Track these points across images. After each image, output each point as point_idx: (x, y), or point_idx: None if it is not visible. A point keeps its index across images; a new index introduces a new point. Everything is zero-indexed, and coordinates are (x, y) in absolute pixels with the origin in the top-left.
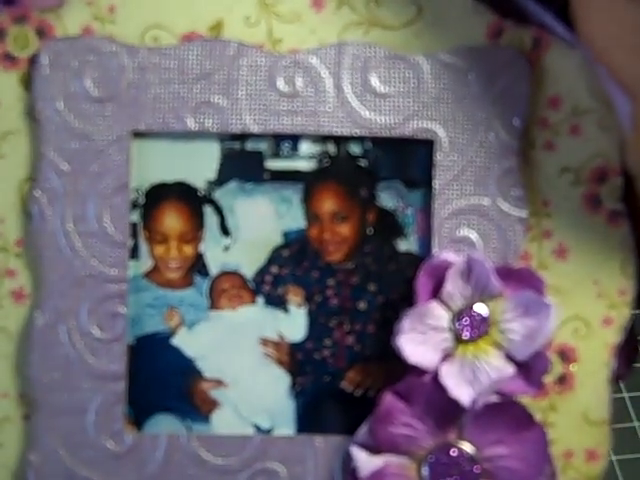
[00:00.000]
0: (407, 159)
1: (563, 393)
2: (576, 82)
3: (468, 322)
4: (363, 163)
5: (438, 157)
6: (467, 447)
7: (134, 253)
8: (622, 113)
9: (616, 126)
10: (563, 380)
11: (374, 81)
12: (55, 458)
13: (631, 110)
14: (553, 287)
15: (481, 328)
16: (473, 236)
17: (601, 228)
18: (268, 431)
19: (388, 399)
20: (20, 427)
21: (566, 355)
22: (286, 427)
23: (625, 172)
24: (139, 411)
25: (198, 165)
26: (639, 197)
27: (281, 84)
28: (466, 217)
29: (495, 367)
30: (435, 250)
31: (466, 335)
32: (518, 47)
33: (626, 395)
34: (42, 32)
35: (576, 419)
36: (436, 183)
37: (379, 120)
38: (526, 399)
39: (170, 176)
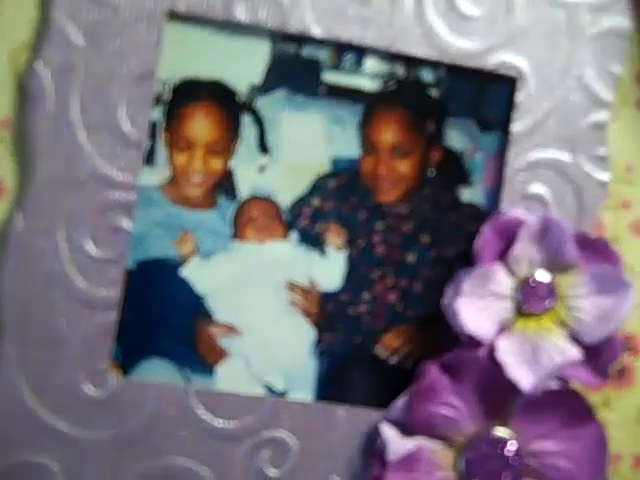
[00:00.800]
0: (485, 95)
1: (620, 388)
2: None
3: (534, 292)
4: (434, 93)
5: (520, 97)
6: (513, 437)
7: (150, 158)
8: None
9: None
10: (622, 374)
11: (461, 0)
12: (17, 396)
13: None
14: (625, 265)
15: (547, 301)
16: (547, 194)
17: None
18: (282, 394)
19: (432, 372)
20: None
21: (630, 345)
22: (303, 391)
23: None
24: (129, 351)
25: (242, 65)
26: None
27: None
28: (542, 172)
29: (559, 349)
30: (503, 205)
31: (529, 307)
32: None
33: None
34: None
35: (630, 419)
36: (514, 127)
37: (460, 45)
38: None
39: (206, 73)
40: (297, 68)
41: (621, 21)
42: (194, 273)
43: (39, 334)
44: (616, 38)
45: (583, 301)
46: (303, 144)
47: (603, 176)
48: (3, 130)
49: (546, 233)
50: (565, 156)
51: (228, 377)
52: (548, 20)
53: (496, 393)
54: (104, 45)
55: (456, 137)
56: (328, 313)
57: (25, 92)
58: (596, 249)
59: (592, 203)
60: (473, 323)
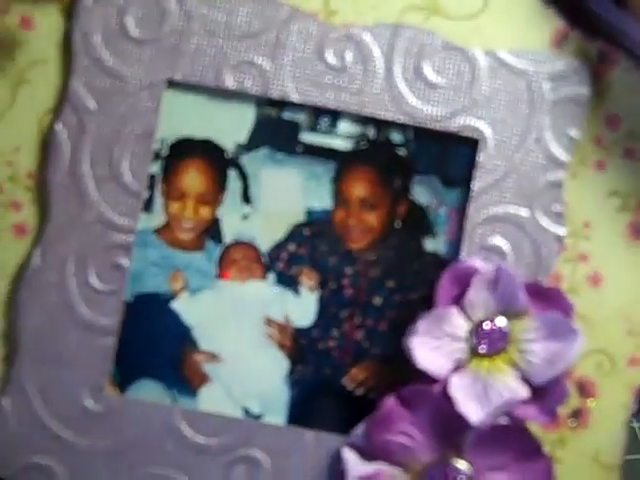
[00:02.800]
0: (448, 155)
1: (576, 429)
2: (638, 104)
3: (487, 335)
4: (402, 152)
5: (481, 158)
6: (466, 468)
7: (148, 206)
8: None
9: None
10: (578, 415)
11: (427, 69)
12: (29, 407)
13: None
14: (581, 315)
15: (500, 344)
16: (505, 246)
17: None
18: (257, 416)
19: (390, 403)
20: None
21: (585, 389)
22: (277, 415)
23: None
24: (125, 372)
25: (230, 126)
26: None
27: (330, 56)
28: (501, 225)
29: (509, 387)
30: (463, 255)
31: (483, 349)
32: (583, 58)
33: None
34: None
35: (586, 459)
36: (475, 185)
37: (426, 110)
38: (534, 429)
39: (198, 132)
40: (278, 129)
41: (579, 89)
42: (183, 307)
43: (49, 354)
44: (574, 104)
45: (533, 345)
46: (282, 196)
47: (559, 230)
48: (29, 180)
49: (498, 281)
50: (523, 211)
51: (210, 399)
52: (509, 88)
53: (450, 425)
54: (112, 109)
55: (421, 192)
56: (301, 347)
57: (46, 148)
58: (549, 298)
59: (549, 255)
60: (427, 361)
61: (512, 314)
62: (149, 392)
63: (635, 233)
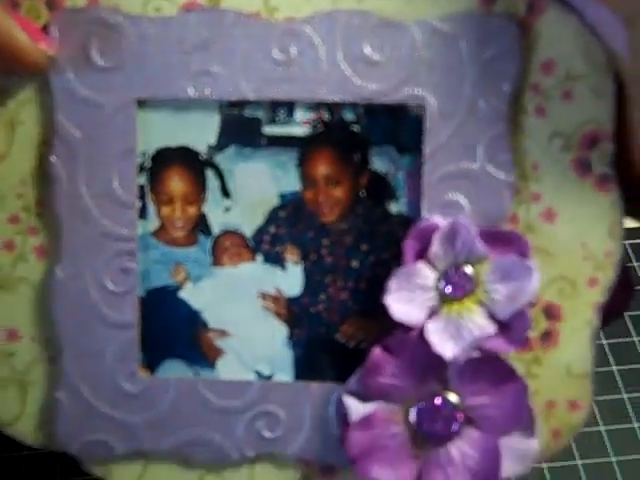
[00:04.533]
0: (399, 125)
1: (547, 348)
2: (570, 47)
3: (453, 282)
4: (356, 129)
5: (428, 123)
6: (451, 397)
7: (142, 214)
8: (618, 41)
9: (610, 91)
10: (547, 336)
11: (366, 49)
12: (78, 395)
13: (628, 36)
14: (540, 249)
15: (466, 287)
16: (462, 200)
17: (590, 192)
18: (268, 377)
19: (376, 352)
20: (47, 368)
21: (552, 312)
22: (285, 374)
23: (616, 137)
24: (151, 357)
25: (199, 131)
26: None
27: (276, 53)
28: (455, 181)
29: (478, 325)
30: (424, 213)
31: (450, 293)
32: (511, 13)
33: (625, 396)
34: (52, 3)
35: (559, 372)
36: (426, 148)
37: (371, 87)
38: (512, 353)
39: (174, 141)
40: (242, 127)
41: (510, 44)
42: (189, 294)
43: (86, 351)
44: (507, 59)
45: (496, 285)
46: (255, 186)
47: (509, 177)
48: (39, 207)
49: (456, 234)
50: (474, 165)
51: (226, 368)
52: (445, 53)
53: (431, 364)
54: (95, 134)
55: (379, 162)
56: (295, 313)
57: (47, 178)
58: (507, 240)
59: (502, 201)
60: (403, 313)
61: (474, 260)
62: (174, 370)
63: (580, 168)
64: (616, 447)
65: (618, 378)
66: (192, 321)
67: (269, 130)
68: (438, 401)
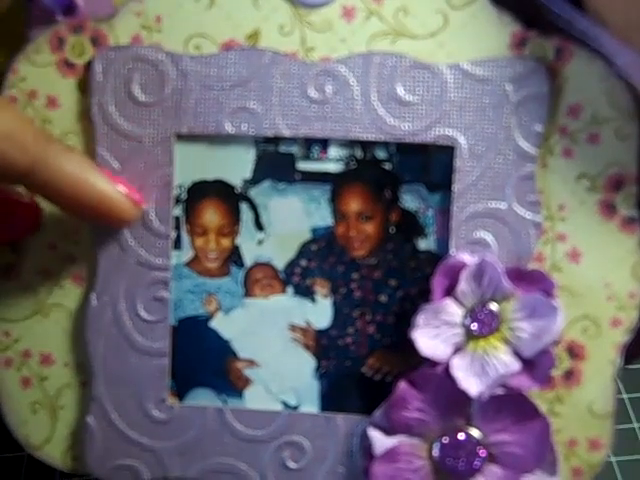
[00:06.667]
0: (429, 164)
1: (570, 387)
2: (596, 91)
3: (479, 319)
4: (387, 166)
5: (458, 163)
6: (475, 432)
7: (177, 244)
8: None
9: (635, 135)
10: (570, 375)
11: (399, 89)
12: (109, 421)
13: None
14: (565, 288)
15: (492, 325)
16: (489, 238)
17: (614, 233)
18: (295, 408)
19: (402, 386)
20: (79, 392)
21: (575, 352)
22: (311, 405)
23: None
24: (181, 385)
25: (235, 165)
26: None
27: (312, 91)
28: (483, 220)
29: (503, 362)
30: (452, 250)
31: (476, 330)
32: (541, 57)
33: (625, 397)
34: (96, 40)
35: (581, 411)
36: (455, 187)
37: (403, 127)
38: (534, 391)
39: (210, 175)
40: (276, 162)
41: (540, 87)
42: (220, 324)
43: (117, 377)
44: (536, 101)
45: (521, 323)
46: (288, 220)
47: (536, 217)
48: (77, 236)
49: (483, 272)
50: (502, 205)
51: (253, 398)
52: (475, 95)
53: (455, 399)
54: (133, 167)
55: (409, 199)
56: (323, 345)
57: None
58: (533, 279)
59: (529, 241)
60: (430, 348)
61: (500, 298)
62: (203, 398)
63: (605, 209)
64: (616, 447)
65: (618, 379)
66: (222, 351)
67: (303, 166)
68: (461, 437)
